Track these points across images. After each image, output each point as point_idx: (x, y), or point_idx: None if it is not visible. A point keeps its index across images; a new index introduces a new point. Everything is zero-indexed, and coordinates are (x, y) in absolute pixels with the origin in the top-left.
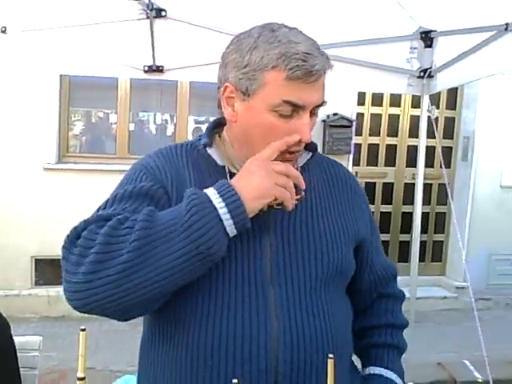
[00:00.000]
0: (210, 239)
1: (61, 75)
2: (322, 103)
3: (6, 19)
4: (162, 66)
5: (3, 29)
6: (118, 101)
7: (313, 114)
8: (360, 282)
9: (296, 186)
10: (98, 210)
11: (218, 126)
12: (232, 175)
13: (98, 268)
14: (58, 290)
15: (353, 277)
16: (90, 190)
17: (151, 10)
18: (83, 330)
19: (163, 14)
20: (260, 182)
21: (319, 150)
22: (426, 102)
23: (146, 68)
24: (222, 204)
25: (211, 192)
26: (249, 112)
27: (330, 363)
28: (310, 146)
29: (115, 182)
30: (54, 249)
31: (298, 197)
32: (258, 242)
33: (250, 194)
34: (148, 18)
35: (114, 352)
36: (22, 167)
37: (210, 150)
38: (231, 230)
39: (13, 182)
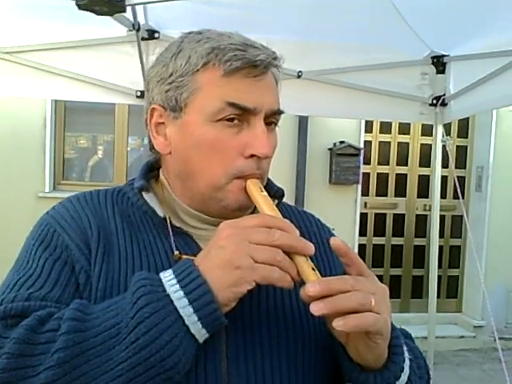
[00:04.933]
0: (165, 346)
1: (56, 99)
2: (279, 111)
3: None
4: None
5: None
6: (116, 126)
7: (270, 123)
8: None
9: None
10: (2, 293)
11: (154, 169)
12: (175, 230)
13: None
14: None
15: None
16: None
17: (138, 30)
18: None
19: (156, 35)
20: (229, 262)
21: (326, 179)
22: (439, 131)
23: (139, 93)
24: (184, 300)
25: (167, 279)
26: (184, 131)
27: None
28: (276, 193)
29: None
30: None
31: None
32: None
33: (219, 280)
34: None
35: None
36: (13, 196)
37: (146, 196)
38: (199, 332)
39: (4, 212)
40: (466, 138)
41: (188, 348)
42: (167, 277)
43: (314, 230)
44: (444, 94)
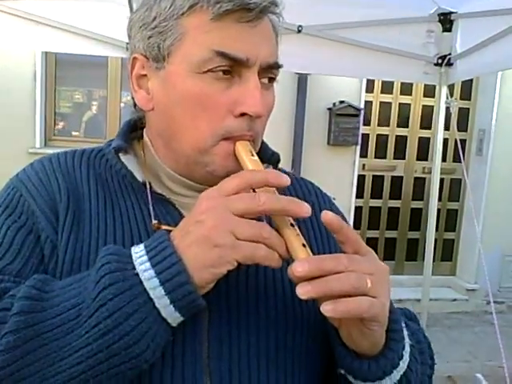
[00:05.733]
0: (130, 332)
1: (46, 52)
2: (276, 64)
3: None
4: None
5: None
6: (109, 80)
7: (266, 78)
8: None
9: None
10: None
11: (137, 128)
12: (156, 196)
13: None
14: None
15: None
16: None
17: None
18: None
19: None
20: (206, 240)
21: (324, 140)
22: (443, 92)
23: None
24: (155, 280)
25: (138, 255)
26: (167, 84)
27: None
28: (271, 157)
29: None
30: None
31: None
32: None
33: (195, 259)
34: None
35: None
36: (3, 152)
37: (124, 158)
38: (171, 316)
39: None
40: (469, 100)
41: (158, 334)
42: (138, 252)
43: (312, 199)
44: (450, 54)
